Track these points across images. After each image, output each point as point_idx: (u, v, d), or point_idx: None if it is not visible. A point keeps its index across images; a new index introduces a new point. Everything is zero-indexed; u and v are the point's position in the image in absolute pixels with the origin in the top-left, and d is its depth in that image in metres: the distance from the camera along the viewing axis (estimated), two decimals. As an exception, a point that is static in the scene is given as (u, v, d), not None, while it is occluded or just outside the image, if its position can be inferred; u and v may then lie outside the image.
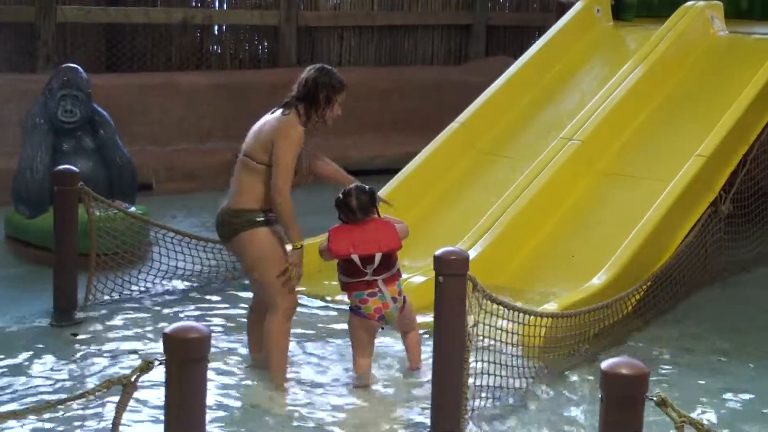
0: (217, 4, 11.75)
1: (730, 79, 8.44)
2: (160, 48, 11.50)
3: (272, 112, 5.66)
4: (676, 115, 8.36)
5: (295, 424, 5.28)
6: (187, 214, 9.24)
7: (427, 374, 5.53)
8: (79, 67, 8.12)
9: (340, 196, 5.67)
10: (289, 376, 5.79)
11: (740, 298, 7.59)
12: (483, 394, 5.38)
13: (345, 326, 6.50)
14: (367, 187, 5.73)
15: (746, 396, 5.86)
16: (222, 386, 5.65)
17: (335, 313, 6.81)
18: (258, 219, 5.55)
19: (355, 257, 5.56)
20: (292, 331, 5.79)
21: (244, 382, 5.72)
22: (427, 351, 5.54)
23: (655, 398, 3.75)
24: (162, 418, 3.92)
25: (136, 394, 3.91)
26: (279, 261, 5.58)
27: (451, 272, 5.07)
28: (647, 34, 9.04)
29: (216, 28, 11.84)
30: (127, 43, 11.30)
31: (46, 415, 4.77)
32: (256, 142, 5.60)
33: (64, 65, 8.26)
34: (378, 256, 5.56)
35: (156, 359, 3.85)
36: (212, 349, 3.92)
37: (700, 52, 8.89)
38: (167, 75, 11.20)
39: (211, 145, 10.89)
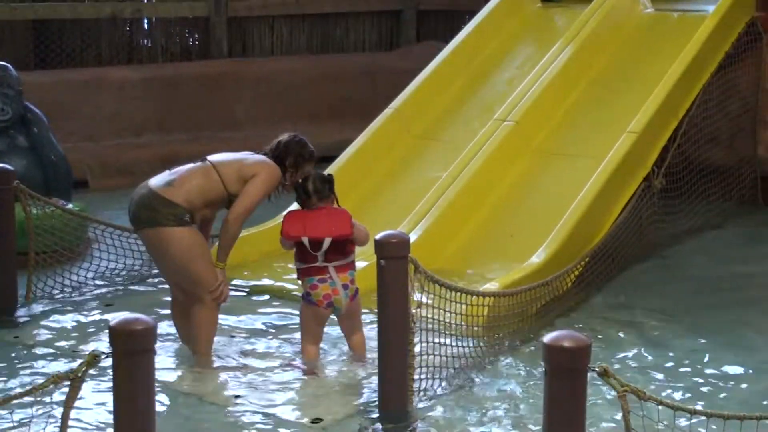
0: (145, -3, 11.70)
1: (658, 56, 8.57)
2: (89, 43, 11.39)
3: (251, 153, 5.78)
4: (606, 93, 8.48)
5: (241, 410, 5.29)
6: (124, 209, 9.15)
7: (374, 360, 5.56)
8: (9, 65, 8.04)
9: (299, 180, 5.73)
10: (235, 364, 5.83)
11: (675, 270, 7.74)
12: (429, 374, 5.44)
13: (291, 315, 6.52)
14: (327, 174, 5.86)
15: (685, 364, 5.98)
16: (167, 377, 5.64)
17: (280, 302, 6.83)
18: (185, 218, 5.57)
19: (305, 240, 5.60)
20: (239, 321, 5.74)
21: (189, 372, 5.71)
22: (372, 334, 5.58)
23: (597, 369, 3.83)
24: (111, 411, 3.92)
25: (83, 389, 3.89)
26: (208, 257, 5.67)
27: (392, 255, 5.13)
28: (575, 13, 9.13)
29: (145, 21, 11.75)
30: (55, 39, 11.19)
31: (-7, 415, 4.74)
32: (236, 166, 5.66)
33: (-8, 63, 8.18)
34: (327, 241, 5.59)
35: (102, 352, 3.85)
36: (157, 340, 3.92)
37: (628, 30, 9.02)
38: (98, 70, 11.10)
39: (145, 139, 10.83)
